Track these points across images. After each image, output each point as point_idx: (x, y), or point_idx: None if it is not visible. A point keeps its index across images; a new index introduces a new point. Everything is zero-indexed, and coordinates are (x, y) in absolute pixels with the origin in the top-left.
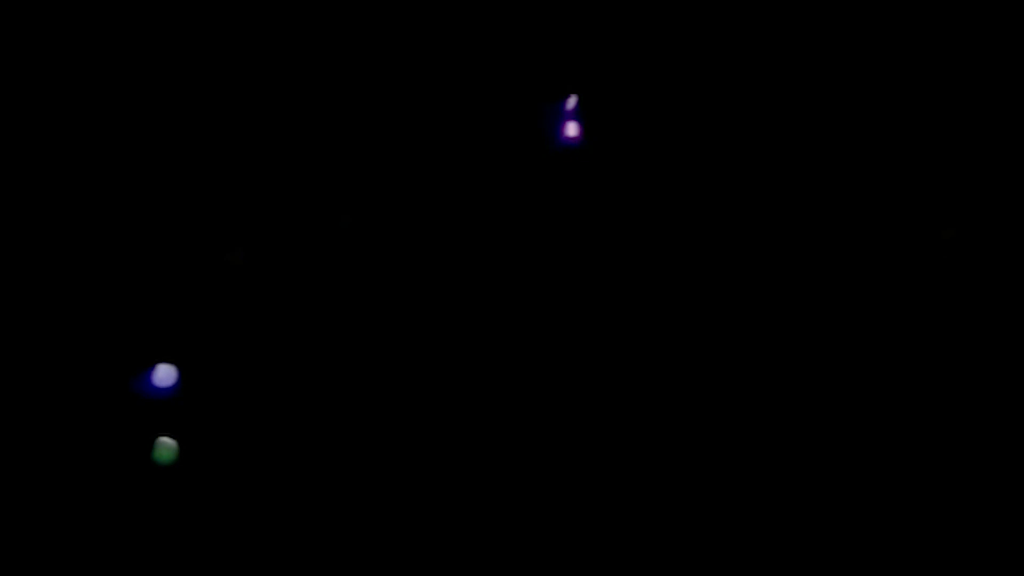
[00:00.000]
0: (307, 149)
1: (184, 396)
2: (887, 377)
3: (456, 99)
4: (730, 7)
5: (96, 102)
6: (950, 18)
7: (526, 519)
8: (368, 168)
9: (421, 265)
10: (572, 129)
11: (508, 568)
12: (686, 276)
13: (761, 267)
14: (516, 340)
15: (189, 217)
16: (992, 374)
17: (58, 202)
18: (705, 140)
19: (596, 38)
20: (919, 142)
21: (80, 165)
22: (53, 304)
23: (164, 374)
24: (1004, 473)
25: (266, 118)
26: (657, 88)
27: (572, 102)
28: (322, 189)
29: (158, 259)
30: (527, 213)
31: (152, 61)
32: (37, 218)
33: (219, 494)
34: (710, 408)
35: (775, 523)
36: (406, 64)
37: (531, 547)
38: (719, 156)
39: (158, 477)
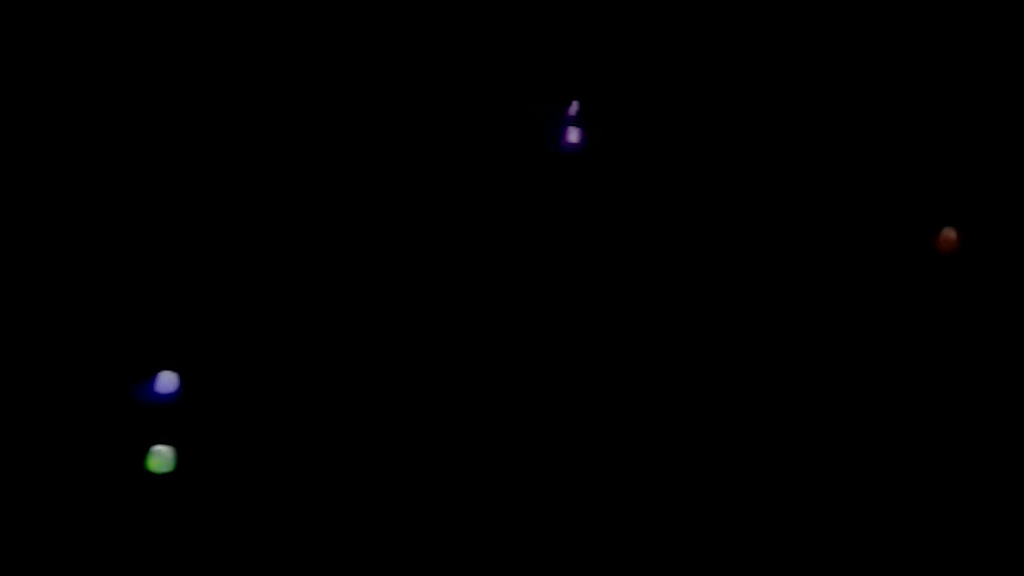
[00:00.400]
0: (306, 151)
1: (185, 402)
2: (887, 379)
3: (457, 104)
4: (731, 11)
5: (96, 103)
6: (950, 18)
7: (526, 519)
8: (368, 171)
9: (422, 270)
10: (574, 135)
11: (508, 568)
12: (687, 281)
13: (761, 271)
14: (517, 344)
15: (188, 220)
16: (992, 376)
17: (56, 205)
18: (707, 145)
19: (598, 43)
20: (919, 143)
21: (79, 167)
22: (52, 309)
23: (165, 381)
24: (1004, 474)
25: (264, 120)
26: (659, 94)
27: (574, 108)
28: (321, 191)
29: (158, 263)
30: (528, 219)
31: (151, 62)
32: (35, 221)
33: (221, 500)
34: (711, 410)
35: (775, 524)
36: (407, 69)
37: (531, 547)
38: (720, 161)
39: (159, 484)
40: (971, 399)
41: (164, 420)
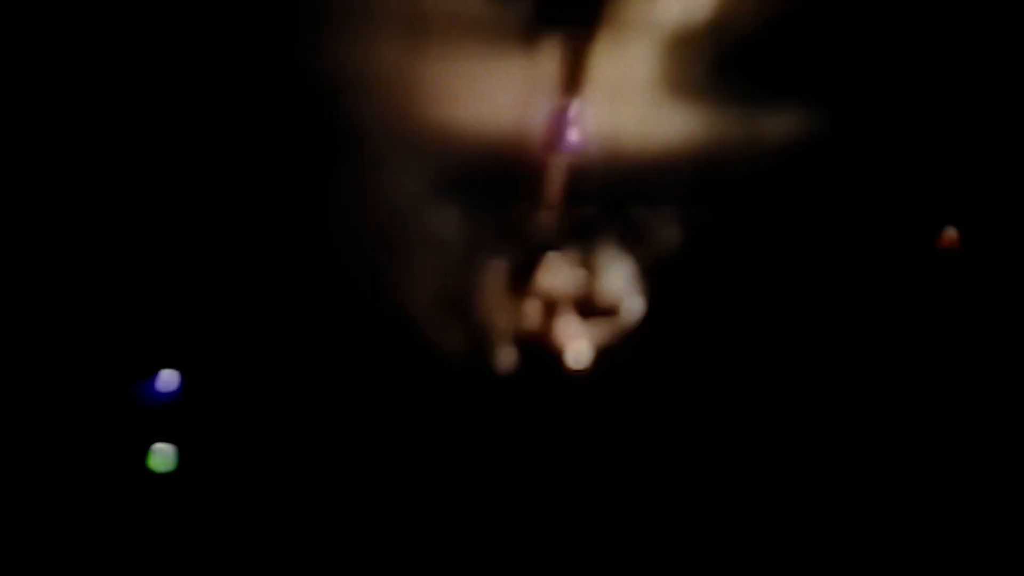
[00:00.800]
0: (304, 151)
1: (186, 401)
2: (887, 381)
3: (456, 103)
4: (729, 9)
5: (96, 103)
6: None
7: (525, 521)
8: (365, 169)
9: (420, 269)
10: (572, 134)
11: (507, 569)
12: (684, 280)
13: (759, 270)
14: (514, 344)
15: (189, 219)
16: (992, 378)
17: (57, 205)
18: (704, 144)
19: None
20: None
21: (80, 166)
22: (52, 309)
23: (166, 380)
24: (1004, 474)
25: (264, 120)
26: (656, 93)
27: (574, 108)
28: (319, 190)
29: (159, 262)
30: (526, 218)
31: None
32: (36, 221)
33: (221, 500)
34: (709, 411)
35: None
36: (409, 71)
37: (530, 548)
38: (718, 159)
39: (158, 484)
40: (971, 399)
41: (164, 420)
